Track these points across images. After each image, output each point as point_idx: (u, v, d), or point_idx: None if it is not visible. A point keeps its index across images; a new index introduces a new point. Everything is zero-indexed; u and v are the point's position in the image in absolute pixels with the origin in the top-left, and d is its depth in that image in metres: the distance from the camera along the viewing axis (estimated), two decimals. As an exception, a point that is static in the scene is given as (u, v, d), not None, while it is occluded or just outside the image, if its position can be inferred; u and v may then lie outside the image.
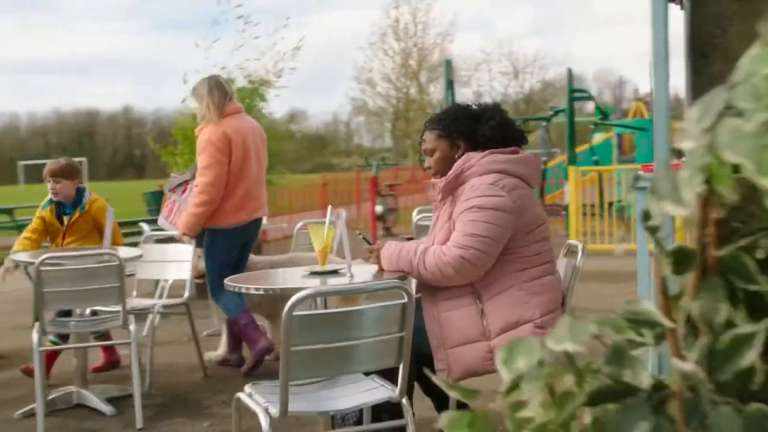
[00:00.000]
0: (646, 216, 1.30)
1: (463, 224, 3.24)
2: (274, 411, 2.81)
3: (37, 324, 4.34)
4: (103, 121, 79.16)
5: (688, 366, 1.23)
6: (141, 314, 5.11)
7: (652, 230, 1.28)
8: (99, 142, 77.17)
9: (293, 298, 2.69)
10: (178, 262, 5.32)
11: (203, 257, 5.27)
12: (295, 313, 2.70)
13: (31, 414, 4.40)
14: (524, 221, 3.26)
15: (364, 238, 3.68)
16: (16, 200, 22.13)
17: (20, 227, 15.08)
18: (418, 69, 38.98)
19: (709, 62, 1.70)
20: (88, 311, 4.95)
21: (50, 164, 5.31)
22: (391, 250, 3.43)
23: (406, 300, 2.84)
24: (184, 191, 5.41)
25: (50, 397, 4.71)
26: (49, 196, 5.30)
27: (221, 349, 5.65)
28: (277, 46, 10.65)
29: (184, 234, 5.16)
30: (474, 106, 3.54)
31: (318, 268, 3.61)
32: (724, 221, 1.32)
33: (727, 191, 1.08)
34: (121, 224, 6.73)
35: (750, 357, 1.18)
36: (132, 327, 4.49)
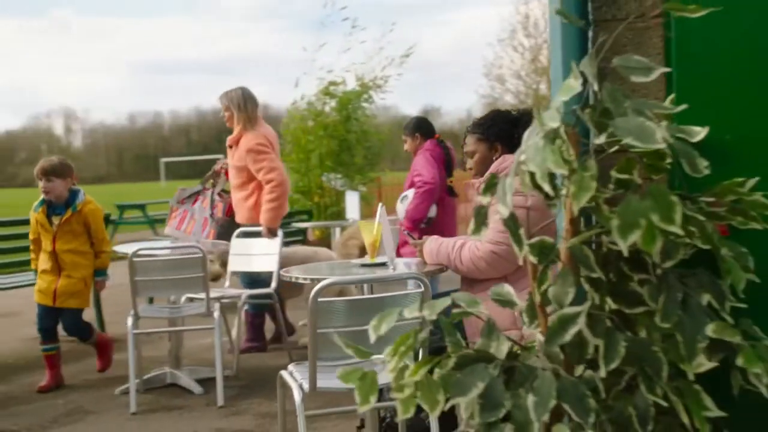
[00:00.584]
0: (477, 213, 1.58)
1: (495, 221, 3.51)
2: (307, 387, 3.18)
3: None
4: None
5: (536, 338, 1.54)
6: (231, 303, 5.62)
7: (508, 225, 1.56)
8: (237, 139, 79.77)
9: (317, 287, 3.05)
10: (265, 255, 5.78)
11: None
12: (319, 299, 3.05)
13: (128, 391, 4.93)
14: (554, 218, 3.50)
15: (409, 234, 3.98)
16: (156, 197, 23.53)
17: (152, 222, 16.17)
18: (548, 65, 38.68)
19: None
20: (183, 299, 5.44)
21: (42, 162, 5.18)
22: (432, 245, 3.74)
23: (422, 289, 3.14)
24: (195, 201, 5.90)
25: (146, 377, 5.24)
26: (42, 197, 5.20)
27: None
28: (383, 51, 11.04)
29: (270, 229, 5.64)
30: (513, 111, 3.81)
31: (368, 260, 3.96)
32: (575, 220, 1.59)
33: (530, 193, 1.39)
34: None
35: (572, 332, 1.46)
36: (216, 314, 4.96)
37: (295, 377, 3.31)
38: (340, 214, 10.19)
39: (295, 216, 8.92)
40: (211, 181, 6.07)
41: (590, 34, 1.87)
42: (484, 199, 1.65)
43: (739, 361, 1.47)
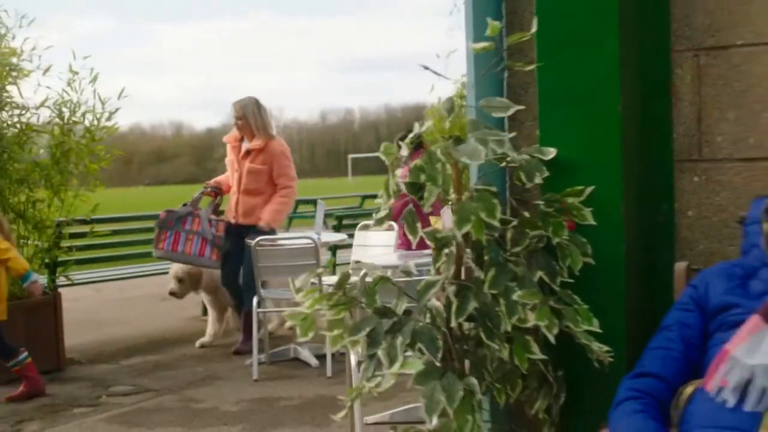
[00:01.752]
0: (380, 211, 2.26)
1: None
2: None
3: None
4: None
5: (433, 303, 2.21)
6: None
7: (406, 219, 2.24)
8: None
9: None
10: (383, 247, 6.55)
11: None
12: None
13: (259, 363, 5.85)
14: None
15: None
16: (341, 192, 24.88)
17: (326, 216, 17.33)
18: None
19: (517, 114, 2.51)
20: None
21: None
22: None
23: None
24: (184, 223, 6.30)
25: (272, 351, 6.17)
26: None
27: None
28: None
29: (271, 226, 6.31)
30: None
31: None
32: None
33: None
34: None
35: (432, 293, 2.13)
36: (328, 297, 5.79)
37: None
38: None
39: None
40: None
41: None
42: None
43: (532, 317, 2.07)
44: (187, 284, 6.73)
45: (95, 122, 6.69)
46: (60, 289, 6.55)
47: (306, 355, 6.11)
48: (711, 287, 2.01)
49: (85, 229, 7.08)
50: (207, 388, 5.56)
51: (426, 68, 2.25)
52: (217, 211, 6.51)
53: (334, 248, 8.57)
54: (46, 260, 6.52)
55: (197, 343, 6.78)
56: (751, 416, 1.74)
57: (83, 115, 6.69)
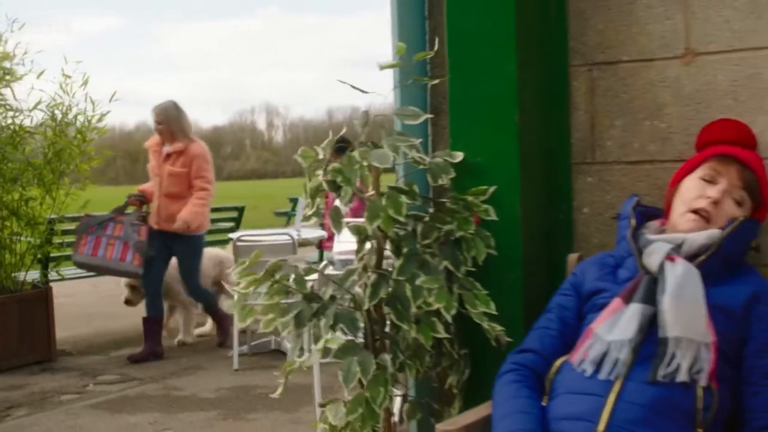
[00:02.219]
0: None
1: None
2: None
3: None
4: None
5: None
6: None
7: (331, 216, 2.55)
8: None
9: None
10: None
11: (188, 260, 6.62)
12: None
13: (241, 354, 6.18)
14: None
15: None
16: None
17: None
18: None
19: (440, 120, 2.82)
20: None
21: None
22: None
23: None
24: (105, 228, 6.38)
25: (254, 343, 6.50)
26: None
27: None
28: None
29: (188, 225, 6.39)
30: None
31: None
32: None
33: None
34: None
35: (351, 279, 2.44)
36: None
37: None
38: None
39: None
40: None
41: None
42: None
43: (431, 299, 2.37)
44: (140, 291, 6.84)
45: (86, 123, 7.02)
46: (56, 285, 6.90)
47: (285, 346, 6.43)
48: (587, 274, 2.32)
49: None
50: (189, 378, 5.90)
51: (343, 82, 2.56)
52: (143, 219, 6.52)
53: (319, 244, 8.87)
54: (39, 256, 6.85)
55: (175, 341, 7.10)
56: (604, 384, 2.05)
57: (75, 117, 7.02)
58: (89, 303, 9.24)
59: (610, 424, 1.98)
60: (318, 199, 2.52)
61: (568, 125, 2.68)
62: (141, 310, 8.71)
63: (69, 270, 7.34)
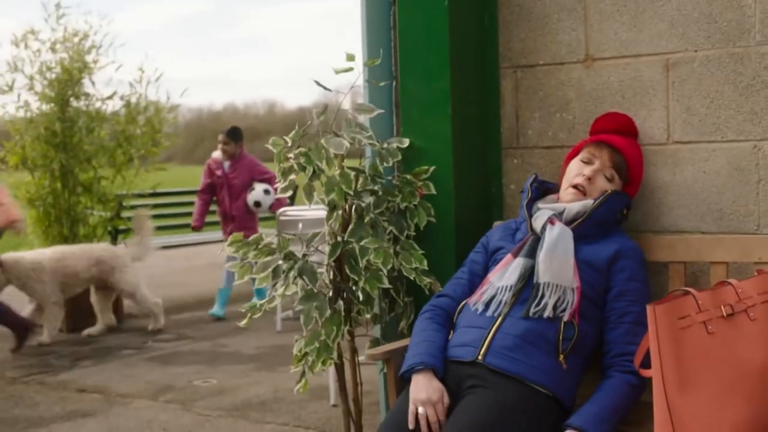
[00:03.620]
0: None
1: None
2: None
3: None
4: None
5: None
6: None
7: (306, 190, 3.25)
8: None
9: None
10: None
11: None
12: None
13: (285, 318, 6.94)
14: None
15: None
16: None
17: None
18: None
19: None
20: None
21: None
22: None
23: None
24: None
25: (297, 308, 7.24)
26: None
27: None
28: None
29: None
30: None
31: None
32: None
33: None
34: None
35: (315, 240, 3.13)
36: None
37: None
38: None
39: None
40: None
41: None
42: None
43: (371, 256, 3.02)
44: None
45: (157, 114, 7.90)
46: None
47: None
48: (493, 236, 2.94)
49: (144, 201, 8.32)
50: (236, 337, 6.69)
51: (318, 84, 3.22)
52: None
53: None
54: (109, 228, 7.75)
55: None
56: (489, 319, 2.67)
57: (145, 107, 7.89)
58: (160, 273, 10.15)
59: (489, 349, 2.60)
60: (291, 176, 3.19)
61: (499, 116, 3.30)
62: (205, 278, 9.59)
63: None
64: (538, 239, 2.74)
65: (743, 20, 2.80)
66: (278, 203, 7.53)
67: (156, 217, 9.07)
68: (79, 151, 7.52)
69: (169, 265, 10.87)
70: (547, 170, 3.17)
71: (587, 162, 2.83)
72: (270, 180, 7.57)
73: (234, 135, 7.63)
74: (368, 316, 3.27)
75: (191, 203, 9.53)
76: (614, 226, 2.82)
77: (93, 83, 7.73)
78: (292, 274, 3.16)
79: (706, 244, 2.79)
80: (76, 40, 7.59)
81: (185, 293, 8.80)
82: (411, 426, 2.54)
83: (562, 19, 3.12)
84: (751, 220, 2.84)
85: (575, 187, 2.81)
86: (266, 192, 7.61)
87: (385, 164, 3.17)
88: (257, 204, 7.62)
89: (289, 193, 3.28)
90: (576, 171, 2.83)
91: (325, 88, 3.24)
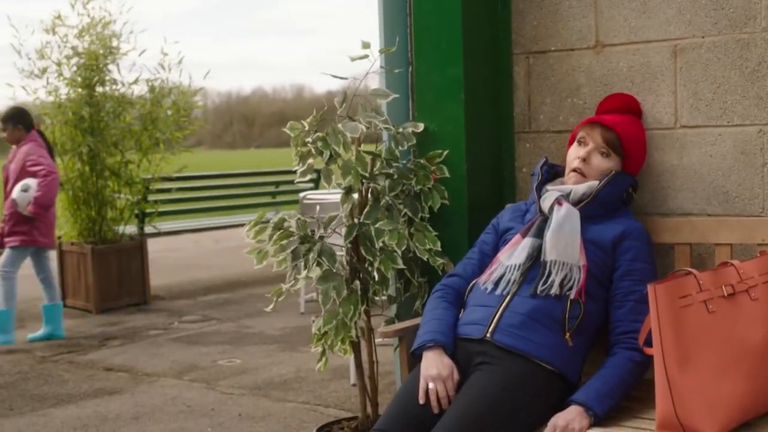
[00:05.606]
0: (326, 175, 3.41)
1: None
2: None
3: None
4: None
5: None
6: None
7: (323, 173, 3.38)
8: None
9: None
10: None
11: None
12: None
13: (308, 300, 7.09)
14: None
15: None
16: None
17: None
18: None
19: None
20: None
21: None
22: None
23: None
24: None
25: (321, 291, 7.39)
26: None
27: None
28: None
29: None
30: None
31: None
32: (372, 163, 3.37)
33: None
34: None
35: (331, 226, 3.26)
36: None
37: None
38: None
39: None
40: None
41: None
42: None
43: (385, 237, 3.13)
44: None
45: (181, 97, 8.04)
46: (161, 240, 8.01)
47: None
48: (504, 217, 3.04)
49: (170, 185, 8.49)
50: (260, 318, 6.85)
51: (335, 77, 3.34)
52: None
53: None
54: (136, 211, 7.93)
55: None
56: (498, 297, 2.78)
57: (170, 90, 8.04)
58: (188, 256, 10.36)
59: (497, 327, 2.71)
60: (309, 160, 3.31)
61: (512, 101, 3.40)
62: (233, 261, 9.76)
63: (164, 224, 8.40)
64: (546, 220, 2.84)
65: (750, 7, 2.88)
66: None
67: (185, 200, 9.28)
68: (107, 136, 7.68)
69: (197, 248, 11.07)
70: (558, 154, 3.27)
71: (582, 143, 2.92)
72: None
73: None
74: (384, 297, 3.39)
75: (220, 187, 9.75)
76: (621, 206, 2.91)
77: (118, 68, 7.89)
78: (312, 255, 3.28)
79: (710, 226, 2.88)
80: (99, 28, 7.74)
81: (214, 275, 8.99)
82: (422, 401, 2.66)
83: (573, 5, 3.21)
84: (756, 202, 2.92)
85: (574, 170, 2.91)
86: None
87: (400, 148, 3.28)
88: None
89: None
90: (574, 154, 2.93)
91: (340, 78, 3.35)
